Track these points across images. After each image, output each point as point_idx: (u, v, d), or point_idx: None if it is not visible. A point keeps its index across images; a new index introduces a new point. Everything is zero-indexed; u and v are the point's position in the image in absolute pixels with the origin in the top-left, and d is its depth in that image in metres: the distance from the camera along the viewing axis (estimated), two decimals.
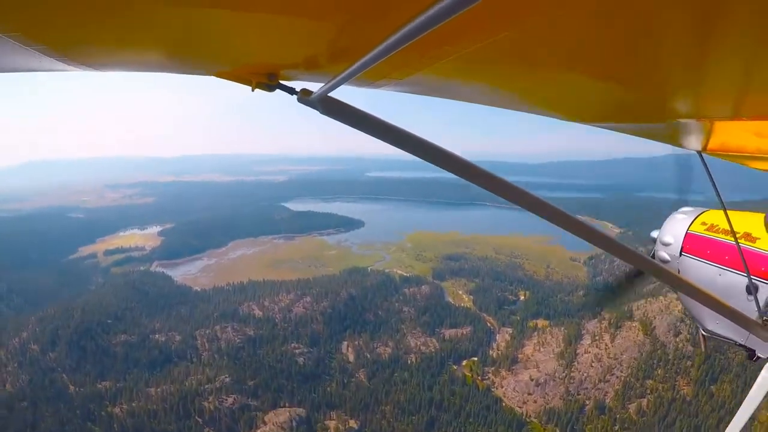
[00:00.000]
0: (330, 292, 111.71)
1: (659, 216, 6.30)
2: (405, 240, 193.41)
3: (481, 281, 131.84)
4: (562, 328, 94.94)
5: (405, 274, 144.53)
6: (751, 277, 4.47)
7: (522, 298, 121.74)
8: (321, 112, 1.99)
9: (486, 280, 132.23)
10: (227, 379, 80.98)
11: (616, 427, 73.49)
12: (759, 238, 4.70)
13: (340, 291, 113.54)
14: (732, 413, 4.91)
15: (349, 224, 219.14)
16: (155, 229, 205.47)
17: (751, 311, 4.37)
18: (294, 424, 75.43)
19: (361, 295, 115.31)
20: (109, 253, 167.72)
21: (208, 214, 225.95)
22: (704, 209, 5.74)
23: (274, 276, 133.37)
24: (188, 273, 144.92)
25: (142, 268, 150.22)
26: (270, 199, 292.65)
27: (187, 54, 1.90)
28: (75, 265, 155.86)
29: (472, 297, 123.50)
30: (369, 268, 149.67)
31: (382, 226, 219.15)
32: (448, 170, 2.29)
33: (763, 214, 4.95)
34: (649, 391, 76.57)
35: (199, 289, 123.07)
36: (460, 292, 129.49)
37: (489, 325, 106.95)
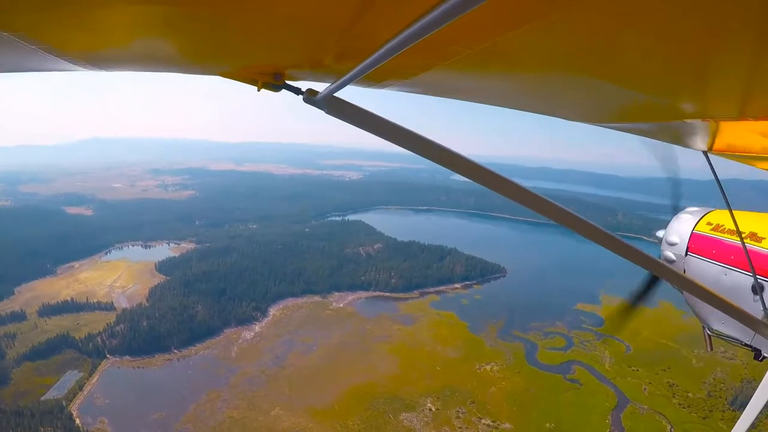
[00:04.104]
0: None
1: None
2: (603, 333, 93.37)
3: None
4: None
5: None
6: (757, 276, 4.42)
7: None
8: (327, 112, 1.96)
9: None
10: None
11: None
12: (765, 238, 4.63)
13: None
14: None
15: (481, 272, 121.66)
16: (162, 252, 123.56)
17: (757, 311, 4.30)
18: None
19: None
20: (46, 312, 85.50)
21: (250, 233, 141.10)
22: (710, 209, 5.65)
23: None
24: None
25: (66, 381, 65.68)
26: (343, 205, 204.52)
27: (193, 54, 1.87)
28: None
29: None
30: None
31: (539, 279, 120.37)
32: (458, 172, 2.28)
33: None
34: None
35: None
36: None
37: None
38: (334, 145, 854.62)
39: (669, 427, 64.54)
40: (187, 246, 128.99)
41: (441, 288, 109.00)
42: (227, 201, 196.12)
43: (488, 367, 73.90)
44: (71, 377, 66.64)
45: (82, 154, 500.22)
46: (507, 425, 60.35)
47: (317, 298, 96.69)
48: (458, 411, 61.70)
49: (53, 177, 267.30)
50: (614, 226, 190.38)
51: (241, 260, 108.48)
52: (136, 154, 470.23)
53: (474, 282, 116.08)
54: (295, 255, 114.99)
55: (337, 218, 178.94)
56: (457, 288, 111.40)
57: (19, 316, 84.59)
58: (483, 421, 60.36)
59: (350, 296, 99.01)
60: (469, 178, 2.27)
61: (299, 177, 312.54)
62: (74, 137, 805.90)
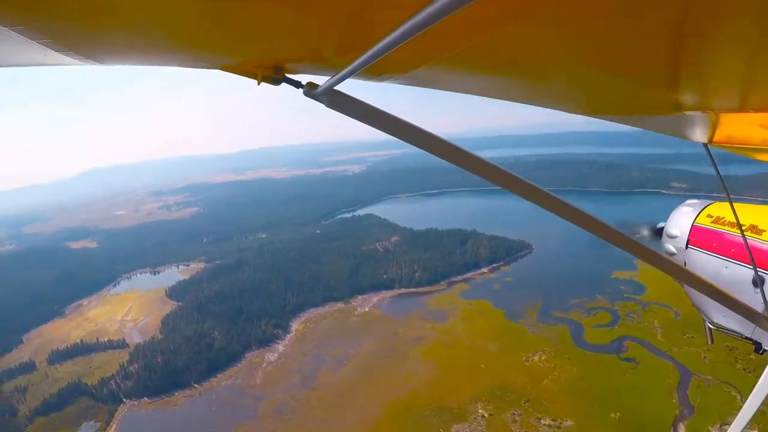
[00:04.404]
0: None
1: None
2: (646, 300, 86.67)
3: None
4: None
5: None
6: (758, 269, 4.37)
7: None
8: (327, 106, 1.96)
9: None
10: None
11: None
12: (765, 231, 4.56)
13: None
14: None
15: (507, 251, 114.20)
16: (172, 277, 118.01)
17: (758, 304, 4.26)
18: None
19: None
20: (56, 358, 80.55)
21: (259, 243, 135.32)
22: (710, 201, 5.55)
23: None
24: None
25: None
26: (350, 201, 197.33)
27: (193, 47, 1.86)
28: None
29: None
30: None
31: (568, 251, 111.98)
32: (458, 165, 2.28)
33: None
34: None
35: None
36: None
37: None
38: (332, 141, 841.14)
39: (739, 396, 57.40)
40: (196, 266, 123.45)
41: (468, 275, 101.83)
42: (232, 213, 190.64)
43: (536, 358, 67.08)
44: (88, 429, 61.50)
45: (82, 187, 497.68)
46: (569, 422, 53.65)
47: (340, 305, 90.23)
48: (513, 414, 55.11)
49: (55, 214, 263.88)
50: (629, 183, 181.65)
51: (254, 274, 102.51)
52: (135, 179, 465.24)
53: (501, 263, 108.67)
54: (310, 260, 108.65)
55: (347, 215, 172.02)
56: (485, 272, 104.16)
57: (28, 367, 79.84)
58: (543, 421, 53.71)
59: (374, 298, 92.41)
60: (472, 172, 2.26)
61: (301, 178, 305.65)
62: (72, 171, 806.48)
